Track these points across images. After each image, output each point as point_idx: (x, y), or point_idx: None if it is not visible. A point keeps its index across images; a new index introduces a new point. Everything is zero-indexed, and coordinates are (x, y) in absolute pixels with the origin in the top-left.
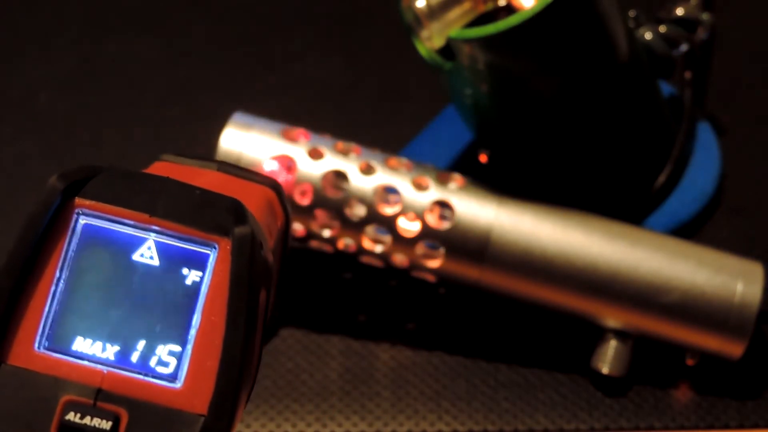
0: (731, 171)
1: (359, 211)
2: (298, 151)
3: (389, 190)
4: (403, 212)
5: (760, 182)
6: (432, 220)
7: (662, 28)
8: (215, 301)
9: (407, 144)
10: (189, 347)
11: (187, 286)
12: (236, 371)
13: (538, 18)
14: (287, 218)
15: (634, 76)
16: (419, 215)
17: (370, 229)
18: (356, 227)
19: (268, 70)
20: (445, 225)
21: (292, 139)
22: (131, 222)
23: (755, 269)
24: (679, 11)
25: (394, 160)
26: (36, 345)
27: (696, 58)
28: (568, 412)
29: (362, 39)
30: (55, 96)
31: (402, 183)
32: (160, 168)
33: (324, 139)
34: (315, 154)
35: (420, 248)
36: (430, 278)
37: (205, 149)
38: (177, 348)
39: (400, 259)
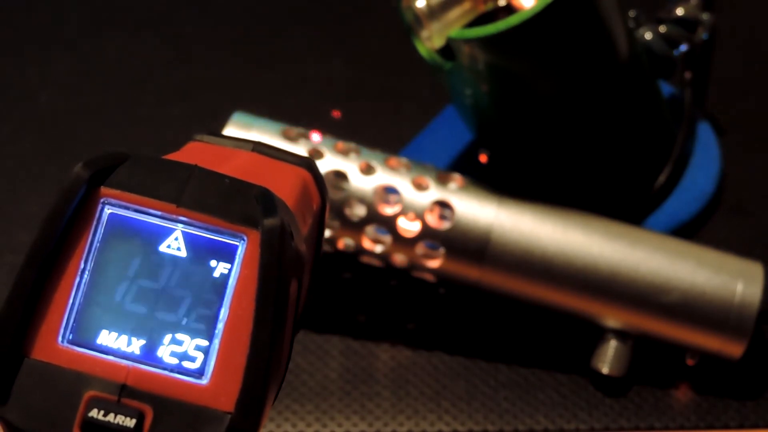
0: (731, 171)
1: (359, 211)
2: (298, 151)
3: (389, 190)
4: (403, 212)
5: (760, 182)
6: (432, 220)
7: (662, 28)
8: (244, 295)
9: (407, 144)
10: (216, 342)
11: (215, 278)
12: (264, 367)
13: (538, 18)
14: (323, 199)
15: (634, 76)
16: (419, 215)
17: (370, 229)
18: (356, 227)
19: (268, 70)
20: (445, 225)
21: (292, 139)
22: (158, 212)
23: (755, 269)
24: (679, 11)
25: (394, 160)
26: (60, 339)
27: (696, 58)
28: (568, 412)
29: (362, 39)
30: (55, 96)
31: (402, 183)
32: (194, 149)
33: (324, 139)
34: (315, 154)
35: (420, 248)
36: (430, 278)
37: None
38: (204, 343)
39: (400, 259)
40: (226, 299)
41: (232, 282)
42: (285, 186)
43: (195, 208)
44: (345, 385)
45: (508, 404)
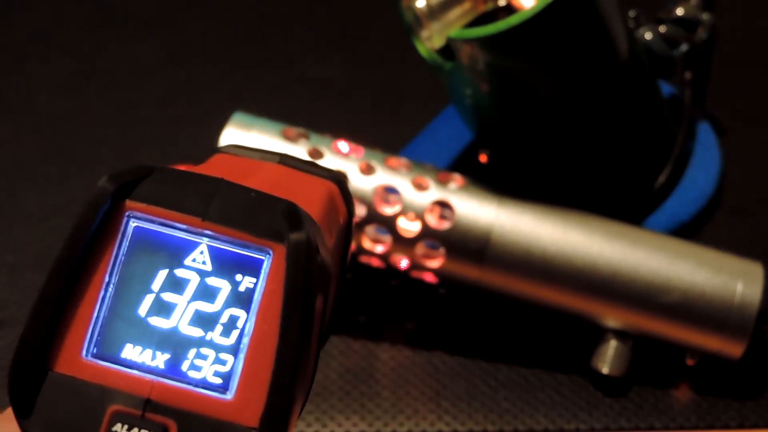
0: (731, 171)
1: (359, 211)
2: (298, 151)
3: (389, 190)
4: (403, 212)
5: (760, 182)
6: (432, 220)
7: (662, 28)
8: (269, 309)
9: (407, 144)
10: (241, 357)
11: (241, 292)
12: (289, 383)
13: (538, 18)
14: (350, 213)
15: (634, 76)
16: (419, 215)
17: (370, 229)
18: (356, 227)
19: (268, 70)
20: (445, 225)
21: (292, 139)
22: (183, 226)
23: (755, 269)
24: (679, 11)
25: (394, 160)
26: (84, 352)
27: (696, 58)
28: (568, 412)
29: (362, 39)
30: (55, 96)
31: (402, 183)
32: (219, 161)
33: (324, 139)
34: (315, 154)
35: (420, 248)
36: (430, 278)
37: (205, 149)
38: (229, 357)
39: (400, 259)
40: (251, 314)
41: (257, 296)
42: (311, 199)
43: (221, 222)
44: (345, 385)
45: (508, 404)
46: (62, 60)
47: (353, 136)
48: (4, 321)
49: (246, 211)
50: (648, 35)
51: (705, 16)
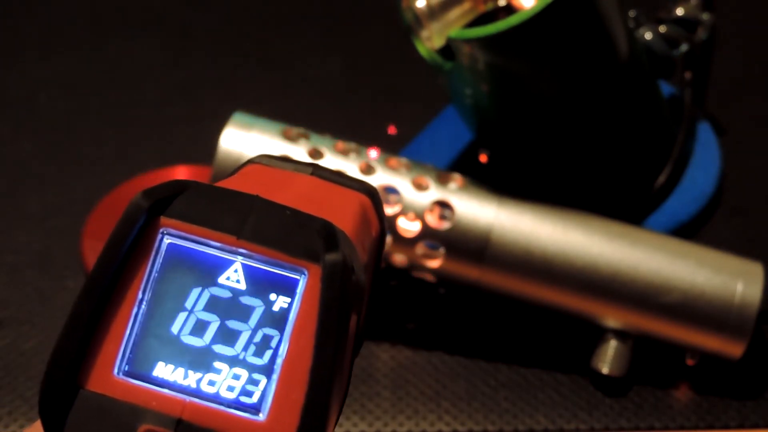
0: (731, 171)
1: None
2: (298, 151)
3: (389, 190)
4: (403, 212)
5: (760, 182)
6: (432, 220)
7: (662, 28)
8: (304, 330)
9: (407, 144)
10: (274, 378)
11: (275, 312)
12: (323, 405)
13: (538, 18)
14: (382, 226)
15: (634, 76)
16: (419, 215)
17: None
18: None
19: (268, 70)
20: (445, 225)
21: (292, 139)
22: (218, 244)
23: (755, 269)
24: (679, 11)
25: (394, 160)
26: (115, 370)
27: (696, 58)
28: (568, 412)
29: (362, 39)
30: (55, 96)
31: (402, 183)
32: (252, 172)
33: (324, 139)
34: (315, 154)
35: (420, 248)
36: (430, 278)
37: (205, 149)
38: (262, 378)
39: (400, 259)
40: (285, 334)
41: (292, 316)
42: (345, 212)
43: (256, 240)
44: None
45: (508, 404)
46: (62, 60)
47: (353, 136)
48: (3, 321)
49: (281, 230)
50: (648, 35)
51: (705, 16)
